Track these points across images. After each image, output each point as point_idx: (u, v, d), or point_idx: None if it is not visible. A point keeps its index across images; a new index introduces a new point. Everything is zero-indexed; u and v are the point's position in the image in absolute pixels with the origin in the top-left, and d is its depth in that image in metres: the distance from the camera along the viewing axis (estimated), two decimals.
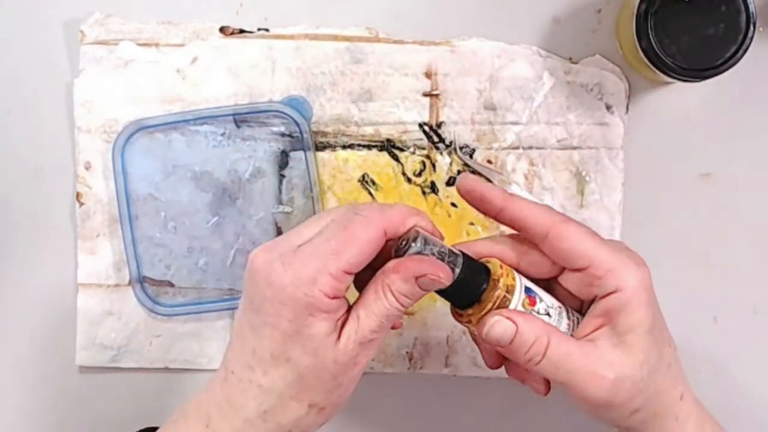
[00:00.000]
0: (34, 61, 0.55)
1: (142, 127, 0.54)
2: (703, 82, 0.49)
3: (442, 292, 0.41)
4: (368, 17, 0.54)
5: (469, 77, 0.54)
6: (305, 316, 0.38)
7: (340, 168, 0.55)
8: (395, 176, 0.55)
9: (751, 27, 0.48)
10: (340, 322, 0.39)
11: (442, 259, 0.39)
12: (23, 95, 0.56)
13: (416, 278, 0.38)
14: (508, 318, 0.40)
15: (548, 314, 0.41)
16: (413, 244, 0.39)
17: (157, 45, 0.54)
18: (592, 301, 0.42)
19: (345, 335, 0.39)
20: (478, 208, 0.42)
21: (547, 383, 0.43)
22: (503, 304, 0.40)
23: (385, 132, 0.54)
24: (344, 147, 0.55)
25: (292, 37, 0.54)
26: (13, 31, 0.55)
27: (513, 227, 0.42)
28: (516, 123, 0.54)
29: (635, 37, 0.48)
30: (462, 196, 0.42)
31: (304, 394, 0.40)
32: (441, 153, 0.55)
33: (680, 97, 0.55)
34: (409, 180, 0.55)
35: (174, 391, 0.56)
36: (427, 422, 0.56)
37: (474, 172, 0.54)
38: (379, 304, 0.39)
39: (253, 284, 0.39)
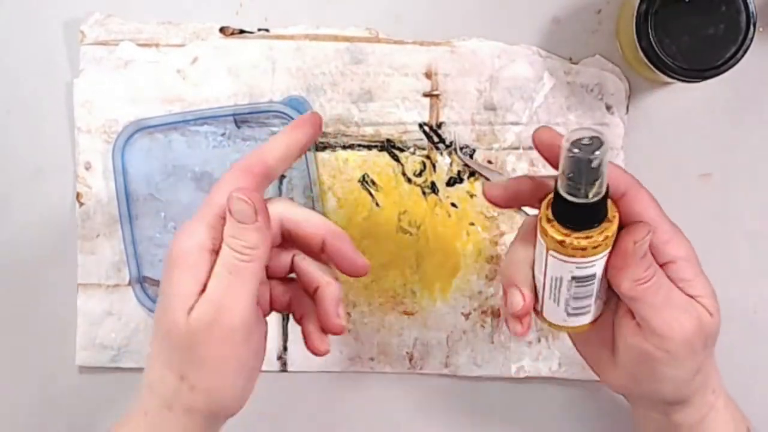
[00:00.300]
0: (34, 61, 0.55)
1: (142, 128, 0.54)
2: (703, 83, 0.49)
3: (569, 207, 0.37)
4: (368, 17, 0.54)
5: (469, 77, 0.54)
6: (170, 269, 0.39)
7: (340, 168, 0.55)
8: (395, 176, 0.55)
9: (751, 27, 0.48)
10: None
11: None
12: (23, 95, 0.56)
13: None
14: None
15: None
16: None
17: (157, 45, 0.54)
18: None
19: (200, 299, 0.39)
20: (556, 167, 0.41)
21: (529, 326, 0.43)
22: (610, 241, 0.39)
23: (386, 132, 0.54)
24: (344, 147, 0.55)
25: (292, 37, 0.54)
26: (13, 31, 0.55)
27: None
28: (516, 123, 0.54)
29: (635, 37, 0.48)
30: (539, 149, 0.42)
31: (174, 363, 0.39)
32: (441, 153, 0.55)
33: (680, 97, 0.55)
34: (409, 180, 0.55)
35: None
36: (427, 422, 0.56)
37: (473, 172, 0.54)
38: (225, 253, 0.39)
39: None
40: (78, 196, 0.55)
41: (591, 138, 0.36)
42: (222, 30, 0.55)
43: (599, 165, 0.36)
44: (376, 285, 0.55)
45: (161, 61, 0.54)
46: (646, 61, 0.48)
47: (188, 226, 0.40)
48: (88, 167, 0.55)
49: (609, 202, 0.38)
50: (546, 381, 0.55)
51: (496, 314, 0.55)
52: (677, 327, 0.40)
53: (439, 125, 0.54)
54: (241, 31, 0.55)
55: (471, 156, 0.54)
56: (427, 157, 0.55)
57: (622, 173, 0.42)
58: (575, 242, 0.38)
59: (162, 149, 0.54)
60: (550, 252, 0.39)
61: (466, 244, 0.55)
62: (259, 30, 0.55)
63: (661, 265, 0.41)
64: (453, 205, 0.55)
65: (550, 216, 0.38)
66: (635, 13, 0.48)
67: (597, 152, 0.35)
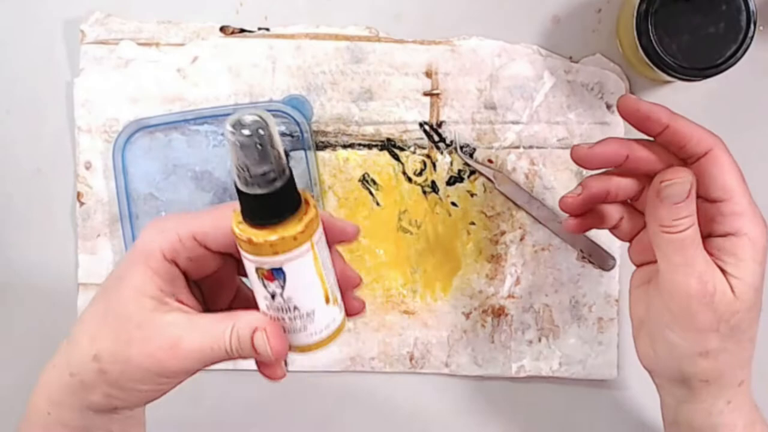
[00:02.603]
0: (34, 61, 0.55)
1: (142, 127, 0.54)
2: (703, 81, 0.49)
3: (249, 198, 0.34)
4: (368, 17, 0.54)
5: (469, 76, 0.54)
6: (133, 262, 0.38)
7: (340, 167, 0.55)
8: (396, 176, 0.55)
9: (752, 26, 0.48)
10: (166, 296, 0.38)
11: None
12: (23, 95, 0.56)
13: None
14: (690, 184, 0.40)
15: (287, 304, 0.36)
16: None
17: (157, 44, 0.54)
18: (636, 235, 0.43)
19: (172, 316, 0.37)
20: (641, 128, 0.42)
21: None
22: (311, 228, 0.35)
23: (386, 131, 0.54)
24: (345, 146, 0.55)
25: (292, 36, 0.54)
26: (13, 31, 0.55)
27: (671, 144, 0.42)
28: (516, 122, 0.54)
29: (635, 36, 0.48)
30: (624, 116, 0.42)
31: (99, 335, 0.38)
32: (441, 152, 0.55)
33: (680, 96, 0.55)
34: (409, 179, 0.55)
35: (174, 391, 0.56)
36: (427, 422, 0.56)
37: (474, 171, 0.54)
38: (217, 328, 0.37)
39: None
40: (78, 195, 0.55)
41: (253, 119, 0.32)
42: (222, 29, 0.55)
43: (265, 146, 0.32)
44: (376, 285, 0.55)
45: (161, 60, 0.54)
46: (646, 59, 0.48)
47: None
48: (88, 167, 0.55)
49: (301, 190, 0.35)
50: (546, 381, 0.55)
51: (496, 314, 0.55)
52: (682, 287, 0.40)
53: (440, 124, 0.54)
54: (242, 30, 0.55)
55: (471, 155, 0.54)
56: (428, 156, 0.55)
57: (709, 134, 0.41)
58: (267, 238, 0.34)
59: (162, 148, 0.54)
60: (247, 257, 0.35)
61: (467, 244, 0.55)
62: (260, 29, 0.55)
63: (721, 235, 0.40)
64: (453, 204, 0.55)
65: (240, 218, 0.35)
66: (635, 12, 0.48)
67: (261, 132, 0.32)
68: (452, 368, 0.55)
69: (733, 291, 0.40)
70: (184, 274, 0.39)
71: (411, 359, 0.55)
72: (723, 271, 0.40)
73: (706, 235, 0.41)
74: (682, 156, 0.42)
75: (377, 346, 0.55)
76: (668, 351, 0.42)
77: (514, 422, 0.56)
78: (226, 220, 0.36)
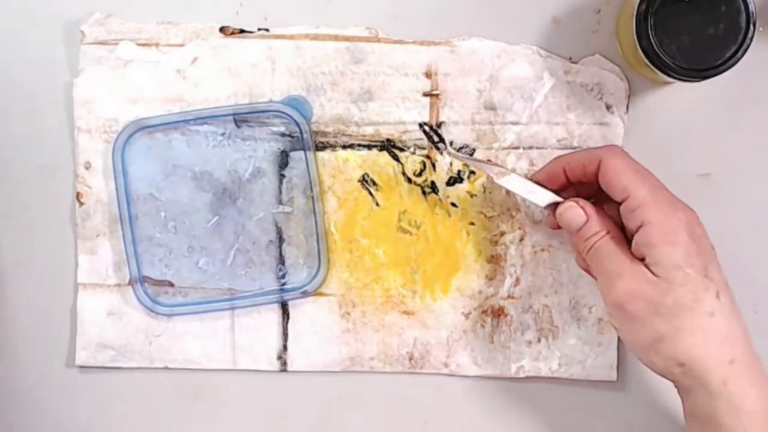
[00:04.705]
0: (34, 61, 0.55)
1: (142, 127, 0.54)
2: (703, 82, 0.49)
3: None
4: (368, 17, 0.54)
5: (469, 77, 0.54)
6: None
7: (340, 168, 0.55)
8: (395, 176, 0.55)
9: (751, 27, 0.47)
10: None
11: None
12: (23, 95, 0.56)
13: None
14: (582, 208, 0.46)
15: None
16: None
17: (157, 45, 0.54)
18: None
19: None
20: (556, 188, 0.49)
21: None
22: None
23: (386, 132, 0.54)
24: (344, 147, 0.55)
25: (292, 37, 0.54)
26: (13, 31, 0.55)
27: (581, 177, 0.48)
28: (516, 123, 0.54)
29: (635, 36, 0.48)
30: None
31: None
32: (441, 153, 0.55)
33: (680, 97, 0.55)
34: (409, 180, 0.55)
35: (174, 391, 0.56)
36: (427, 422, 0.56)
37: (472, 172, 0.54)
38: None
39: None
40: (78, 196, 0.55)
41: None
42: (222, 30, 0.55)
43: None
44: (376, 285, 0.55)
45: (161, 60, 0.54)
46: (645, 60, 0.48)
47: None
48: (88, 167, 0.55)
49: None
50: (546, 381, 0.55)
51: (496, 314, 0.55)
52: (607, 292, 0.44)
53: (439, 125, 0.54)
54: (241, 31, 0.55)
55: (471, 155, 0.54)
56: (427, 156, 0.55)
57: (598, 148, 0.47)
58: None
59: (162, 149, 0.54)
60: None
61: (466, 244, 0.55)
62: (259, 30, 0.55)
63: (636, 230, 0.44)
64: (453, 204, 0.55)
65: None
66: (635, 13, 0.48)
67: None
68: (451, 368, 0.55)
69: (655, 274, 0.43)
70: None
71: (410, 359, 0.56)
72: (645, 260, 0.44)
73: (631, 234, 0.45)
74: (588, 179, 0.47)
75: (377, 347, 0.55)
76: (636, 351, 0.45)
77: (513, 422, 0.56)
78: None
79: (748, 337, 0.44)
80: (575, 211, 0.46)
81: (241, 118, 0.54)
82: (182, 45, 0.54)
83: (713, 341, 0.43)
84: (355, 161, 0.55)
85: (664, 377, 0.45)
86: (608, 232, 0.45)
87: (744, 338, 0.44)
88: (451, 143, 0.54)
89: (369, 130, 0.54)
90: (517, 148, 0.54)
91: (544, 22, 0.54)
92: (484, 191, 0.55)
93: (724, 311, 0.43)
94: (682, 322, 0.43)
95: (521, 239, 0.55)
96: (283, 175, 0.54)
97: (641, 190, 0.44)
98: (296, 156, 0.54)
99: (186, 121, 0.54)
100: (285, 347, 0.55)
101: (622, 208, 0.45)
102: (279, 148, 0.54)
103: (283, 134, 0.54)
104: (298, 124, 0.54)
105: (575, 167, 0.47)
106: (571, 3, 0.54)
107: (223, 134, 0.54)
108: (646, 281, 0.43)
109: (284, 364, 0.56)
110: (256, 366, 0.56)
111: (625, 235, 0.46)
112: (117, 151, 0.54)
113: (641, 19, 0.48)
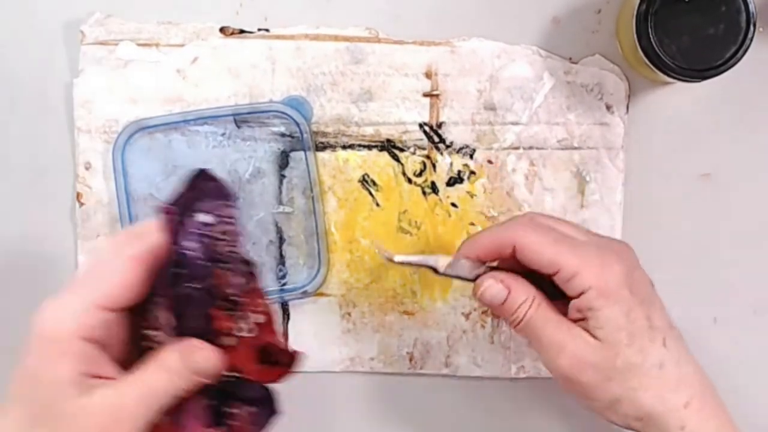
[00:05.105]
0: (34, 61, 0.55)
1: (142, 128, 0.54)
2: (703, 82, 0.49)
3: None
4: (368, 17, 0.54)
5: (469, 77, 0.54)
6: (46, 355, 0.36)
7: (340, 168, 0.55)
8: (395, 176, 0.55)
9: (751, 27, 0.48)
10: (93, 378, 0.36)
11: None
12: (23, 95, 0.56)
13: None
14: (501, 282, 0.44)
15: None
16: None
17: (157, 45, 0.54)
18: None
19: (99, 393, 0.36)
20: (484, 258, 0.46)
21: None
22: None
23: (386, 132, 0.54)
24: (344, 147, 0.55)
25: (292, 37, 0.54)
26: (13, 31, 0.55)
27: (494, 257, 0.46)
28: (516, 123, 0.54)
29: (635, 37, 0.48)
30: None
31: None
32: (441, 153, 0.55)
33: (680, 97, 0.55)
34: (409, 180, 0.55)
35: None
36: (427, 422, 0.56)
37: (473, 172, 0.54)
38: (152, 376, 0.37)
39: None
40: (78, 196, 0.55)
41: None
42: (222, 30, 0.55)
43: None
44: (376, 285, 0.55)
45: (161, 61, 0.54)
46: (646, 60, 0.48)
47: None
48: (88, 167, 0.55)
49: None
50: (546, 381, 0.55)
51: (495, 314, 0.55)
52: (552, 364, 0.43)
53: (440, 125, 0.54)
54: (241, 31, 0.55)
55: (471, 156, 0.54)
56: (427, 157, 0.55)
57: (504, 230, 0.44)
58: None
59: (162, 149, 0.54)
60: None
61: None
62: (259, 30, 0.55)
63: (576, 297, 0.43)
64: (453, 205, 0.55)
65: None
66: (635, 13, 0.48)
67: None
68: (452, 369, 0.55)
69: (597, 338, 0.42)
70: (97, 342, 0.37)
71: (410, 360, 0.56)
72: (587, 325, 0.42)
73: (570, 301, 0.43)
74: (507, 260, 0.45)
75: (377, 347, 0.55)
76: (594, 411, 0.45)
77: (513, 423, 0.56)
78: (125, 275, 0.36)
79: (699, 371, 0.45)
80: (494, 288, 0.44)
81: (241, 119, 0.54)
82: (182, 45, 0.54)
83: (666, 391, 0.43)
84: (355, 161, 0.55)
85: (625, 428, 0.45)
86: (534, 299, 0.44)
87: (695, 375, 0.44)
88: (451, 143, 0.54)
89: (369, 131, 0.54)
90: (517, 148, 0.54)
91: (544, 22, 0.54)
92: (484, 191, 0.55)
93: (672, 357, 0.43)
94: (635, 381, 0.42)
95: None
96: (283, 176, 0.54)
97: (570, 260, 0.42)
98: (296, 156, 0.54)
99: (186, 122, 0.54)
100: None
101: (555, 279, 0.43)
102: (279, 149, 0.54)
103: (283, 134, 0.54)
104: (298, 125, 0.54)
105: (490, 252, 0.45)
106: (571, 3, 0.54)
107: (223, 134, 0.54)
108: (591, 348, 0.42)
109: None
110: None
111: (546, 293, 0.44)
112: (117, 152, 0.54)
113: (641, 19, 0.48)
